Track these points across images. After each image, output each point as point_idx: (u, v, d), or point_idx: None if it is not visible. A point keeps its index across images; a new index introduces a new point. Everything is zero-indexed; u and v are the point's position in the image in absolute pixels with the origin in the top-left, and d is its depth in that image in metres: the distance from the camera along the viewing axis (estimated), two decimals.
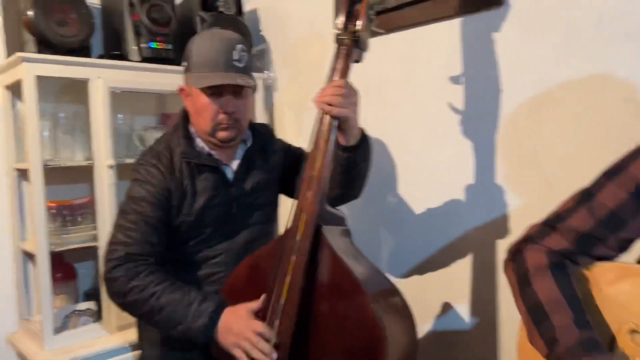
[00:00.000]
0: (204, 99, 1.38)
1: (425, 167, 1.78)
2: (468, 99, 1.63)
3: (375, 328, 1.11)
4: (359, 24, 1.21)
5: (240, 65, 1.36)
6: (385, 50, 1.84)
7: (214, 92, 1.37)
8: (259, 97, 2.31)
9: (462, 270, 1.66)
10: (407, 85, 1.81)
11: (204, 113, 1.39)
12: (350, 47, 1.22)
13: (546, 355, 0.85)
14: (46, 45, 1.81)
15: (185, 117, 1.48)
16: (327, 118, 1.23)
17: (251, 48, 2.26)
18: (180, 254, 1.43)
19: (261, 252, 1.31)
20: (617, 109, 1.30)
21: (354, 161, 1.37)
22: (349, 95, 1.23)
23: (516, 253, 0.96)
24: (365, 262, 1.26)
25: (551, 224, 0.95)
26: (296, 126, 2.28)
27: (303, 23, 2.20)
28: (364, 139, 1.36)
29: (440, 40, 1.69)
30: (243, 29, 2.21)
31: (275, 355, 1.18)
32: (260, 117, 2.30)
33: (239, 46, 1.37)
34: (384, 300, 1.20)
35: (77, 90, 1.99)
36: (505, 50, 1.53)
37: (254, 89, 1.44)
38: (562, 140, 1.42)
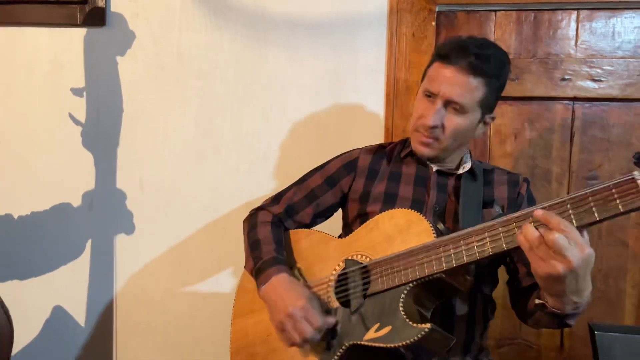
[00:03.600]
0: None
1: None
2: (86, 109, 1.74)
3: None
4: None
5: None
6: None
7: None
8: None
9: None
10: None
11: None
12: None
13: (251, 270, 1.22)
14: None
15: None
16: None
17: None
18: None
19: None
20: (193, 132, 1.67)
21: None
22: None
23: (252, 214, 1.34)
24: None
25: (276, 197, 1.35)
26: None
27: None
28: None
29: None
30: None
31: None
32: None
33: None
34: None
35: None
36: (106, 66, 1.71)
37: None
38: (154, 146, 1.72)
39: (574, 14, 1.55)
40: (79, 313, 1.73)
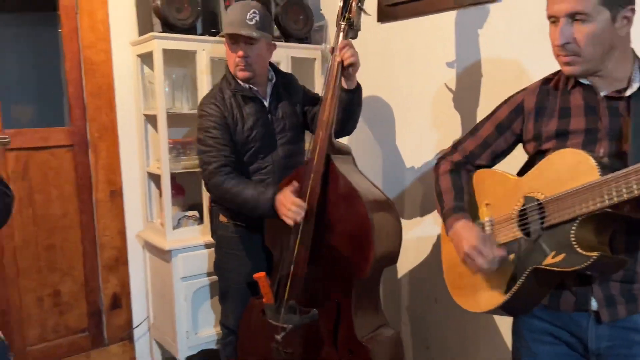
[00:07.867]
0: (227, 47, 2.06)
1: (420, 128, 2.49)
2: (459, 80, 2.24)
3: (365, 220, 1.78)
4: (352, 13, 1.85)
5: (250, 23, 2.00)
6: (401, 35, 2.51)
7: (233, 41, 2.02)
8: (318, 65, 2.97)
9: None
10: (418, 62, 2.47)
11: (229, 58, 2.08)
12: (347, 28, 1.87)
13: (442, 217, 1.50)
14: (168, 26, 2.52)
15: (227, 68, 2.14)
16: (336, 67, 1.85)
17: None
18: (242, 166, 2.09)
19: (296, 172, 1.99)
20: None
21: (352, 102, 1.99)
22: (354, 50, 1.86)
23: (437, 164, 1.58)
24: (363, 178, 1.94)
25: (455, 146, 1.57)
26: None
27: None
28: (359, 85, 1.97)
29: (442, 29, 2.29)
30: (306, 8, 2.86)
31: (302, 214, 1.83)
32: (319, 81, 2.96)
33: (252, 10, 2.01)
34: (375, 203, 1.87)
35: (185, 58, 2.70)
36: (494, 37, 2.09)
37: (259, 40, 2.03)
38: None
39: None
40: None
